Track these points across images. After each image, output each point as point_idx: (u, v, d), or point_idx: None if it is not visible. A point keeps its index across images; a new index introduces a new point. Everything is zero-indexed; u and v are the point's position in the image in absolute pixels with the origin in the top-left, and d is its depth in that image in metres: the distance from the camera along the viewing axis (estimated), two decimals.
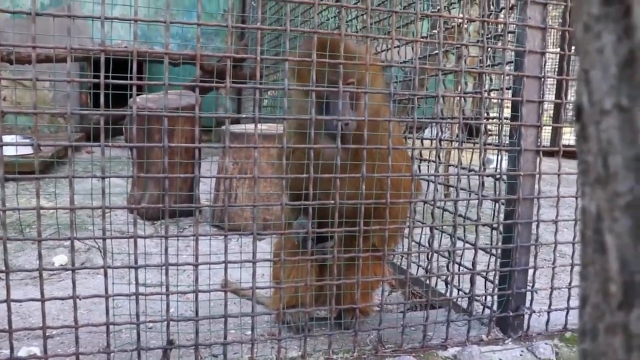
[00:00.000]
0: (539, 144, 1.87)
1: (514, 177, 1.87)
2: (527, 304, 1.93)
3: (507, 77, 1.86)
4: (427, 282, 1.95)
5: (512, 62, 1.88)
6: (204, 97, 3.35)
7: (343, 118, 1.61)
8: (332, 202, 1.60)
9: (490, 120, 2.01)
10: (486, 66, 2.00)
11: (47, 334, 1.52)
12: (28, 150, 4.12)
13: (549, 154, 3.90)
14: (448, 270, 2.14)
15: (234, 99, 6.58)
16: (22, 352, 1.72)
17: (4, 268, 1.48)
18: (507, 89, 1.88)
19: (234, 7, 7.61)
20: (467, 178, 2.03)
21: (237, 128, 3.14)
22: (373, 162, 1.66)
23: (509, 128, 1.93)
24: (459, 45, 2.16)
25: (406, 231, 2.34)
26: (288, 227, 1.76)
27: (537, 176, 1.87)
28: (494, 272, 1.90)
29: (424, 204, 2.17)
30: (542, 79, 1.83)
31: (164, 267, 1.55)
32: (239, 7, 6.75)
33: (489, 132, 3.00)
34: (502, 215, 1.94)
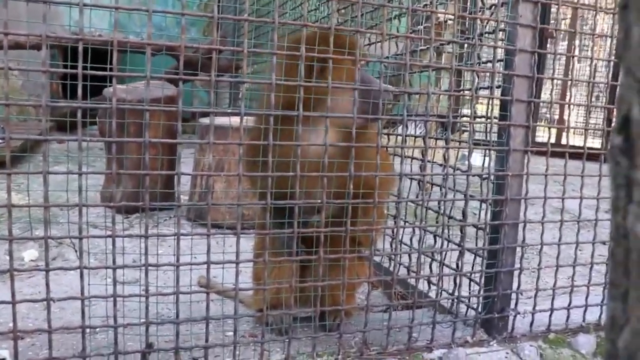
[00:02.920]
0: (527, 143, 1.85)
1: (502, 177, 1.84)
2: (512, 305, 1.91)
3: (497, 75, 1.83)
4: (414, 283, 1.92)
5: (502, 60, 1.85)
6: (183, 87, 3.27)
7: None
8: (319, 201, 1.55)
9: (478, 120, 1.98)
10: (470, 64, 1.97)
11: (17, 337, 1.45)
12: None
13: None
14: (431, 270, 2.12)
15: (209, 91, 6.48)
16: None
17: None
18: (497, 87, 1.86)
19: None
20: (452, 177, 2.00)
21: (217, 121, 3.07)
22: (359, 160, 1.61)
23: (492, 126, 1.92)
24: (446, 42, 2.13)
25: (391, 231, 2.32)
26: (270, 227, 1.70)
27: (525, 177, 1.85)
28: (480, 273, 1.87)
29: (406, 203, 2.14)
30: (533, 79, 1.81)
31: (143, 267, 1.49)
32: None
33: (464, 129, 2.99)
34: (488, 215, 1.92)
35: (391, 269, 2.46)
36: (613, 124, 0.51)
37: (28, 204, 1.54)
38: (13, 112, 5.83)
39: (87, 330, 1.50)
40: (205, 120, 3.08)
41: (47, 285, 1.43)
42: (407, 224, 2.20)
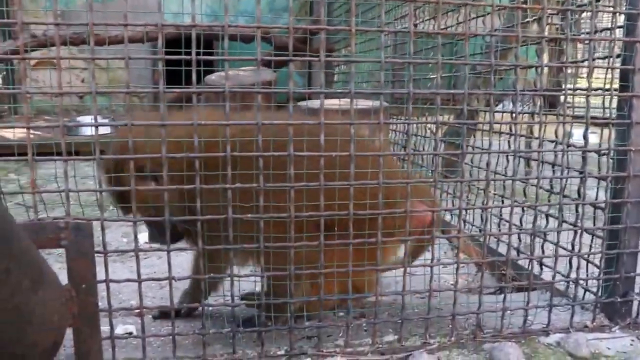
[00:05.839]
0: None
1: (623, 152, 1.73)
2: (637, 289, 1.80)
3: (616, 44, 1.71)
4: (525, 264, 1.86)
5: (622, 26, 1.73)
6: (278, 73, 3.33)
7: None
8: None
9: (595, 92, 1.86)
10: (587, 32, 1.86)
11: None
12: (107, 130, 4.22)
13: None
14: (543, 251, 2.03)
15: (303, 75, 6.51)
16: (119, 330, 1.74)
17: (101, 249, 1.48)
18: (617, 56, 1.74)
19: None
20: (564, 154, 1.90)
21: (317, 104, 3.08)
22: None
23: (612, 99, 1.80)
24: (561, 10, 2.01)
25: (499, 212, 2.25)
26: None
27: None
28: (600, 254, 1.77)
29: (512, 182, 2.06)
30: None
31: None
32: None
33: (569, 104, 2.83)
34: (601, 194, 1.81)
35: (499, 250, 2.39)
36: None
37: (155, 188, 1.61)
38: (119, 102, 6.17)
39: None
40: (304, 104, 3.10)
41: (169, 265, 1.49)
42: (516, 203, 2.12)
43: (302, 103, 3.22)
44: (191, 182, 1.44)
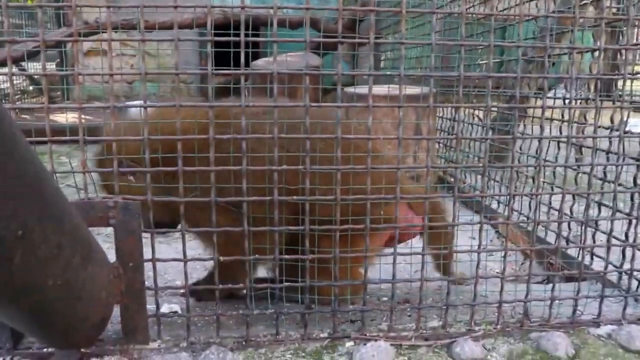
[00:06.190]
0: None
1: None
2: None
3: None
4: (579, 254, 1.80)
5: None
6: (324, 58, 3.32)
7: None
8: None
9: None
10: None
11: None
12: None
13: None
14: (594, 240, 1.97)
15: (349, 61, 6.48)
16: (164, 309, 1.77)
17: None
18: None
19: None
20: (615, 141, 1.83)
21: (363, 90, 3.07)
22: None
23: None
24: None
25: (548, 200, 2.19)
26: None
27: None
28: None
29: (564, 168, 2.00)
30: None
31: None
32: None
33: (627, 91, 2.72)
34: None
35: (547, 239, 2.33)
36: None
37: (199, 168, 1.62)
38: (168, 88, 6.30)
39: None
40: (351, 89, 3.09)
41: (215, 245, 1.50)
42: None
43: (349, 89, 3.21)
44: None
